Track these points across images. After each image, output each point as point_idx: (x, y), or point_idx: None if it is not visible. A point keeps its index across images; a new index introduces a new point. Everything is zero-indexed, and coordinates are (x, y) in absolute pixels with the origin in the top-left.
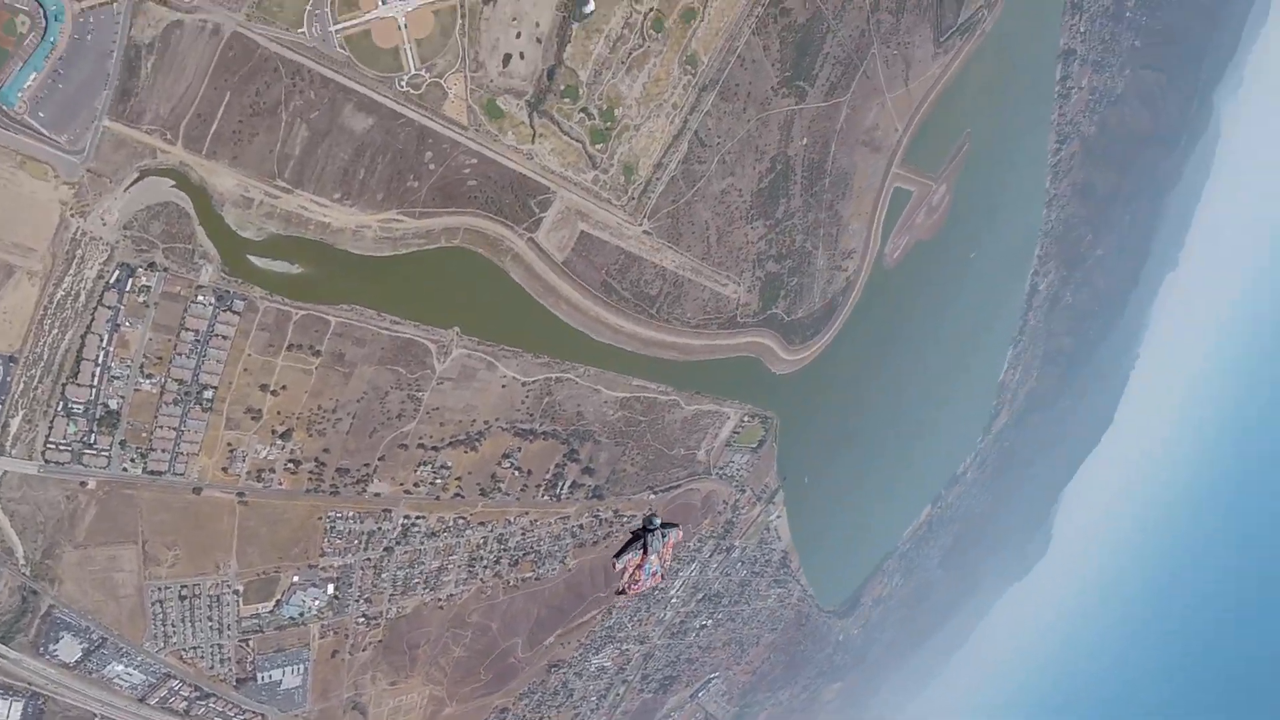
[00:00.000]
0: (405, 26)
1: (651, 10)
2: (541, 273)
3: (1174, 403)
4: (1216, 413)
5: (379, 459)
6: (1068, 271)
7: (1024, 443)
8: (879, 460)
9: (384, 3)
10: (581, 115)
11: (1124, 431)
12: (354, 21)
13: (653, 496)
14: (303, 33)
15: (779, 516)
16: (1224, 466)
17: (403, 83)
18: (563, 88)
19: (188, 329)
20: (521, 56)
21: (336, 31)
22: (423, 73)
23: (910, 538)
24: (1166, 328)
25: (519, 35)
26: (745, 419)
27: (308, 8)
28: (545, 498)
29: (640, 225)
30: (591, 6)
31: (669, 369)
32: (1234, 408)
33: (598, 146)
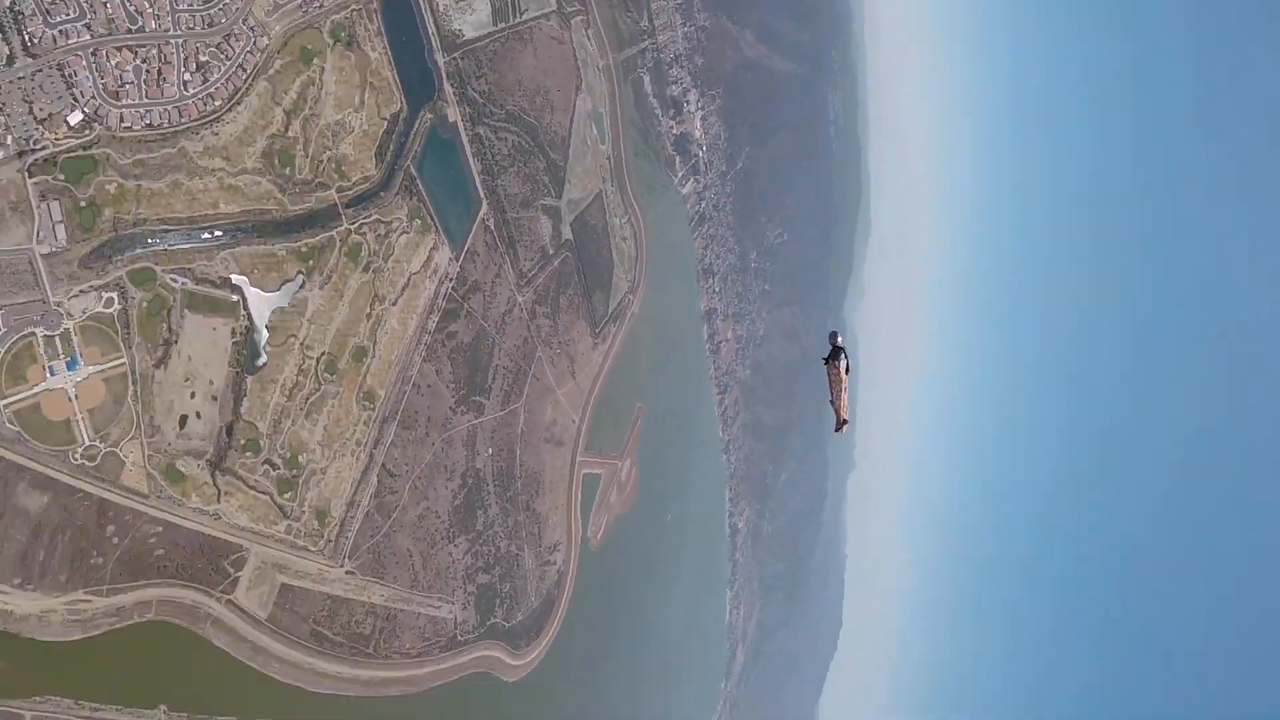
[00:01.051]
0: (76, 397)
1: (324, 354)
2: (246, 634)
3: (886, 586)
4: (923, 585)
5: None
6: (760, 504)
7: (767, 673)
8: None
9: (52, 374)
10: (266, 467)
11: (855, 628)
12: (22, 395)
13: None
14: None
15: None
16: (943, 635)
17: (77, 455)
18: (243, 442)
19: None
20: (198, 416)
21: (4, 406)
22: (97, 443)
23: None
24: (863, 522)
25: (193, 395)
26: None
27: None
28: None
29: (342, 566)
30: (264, 359)
31: (399, 706)
32: (933, 576)
33: (286, 496)
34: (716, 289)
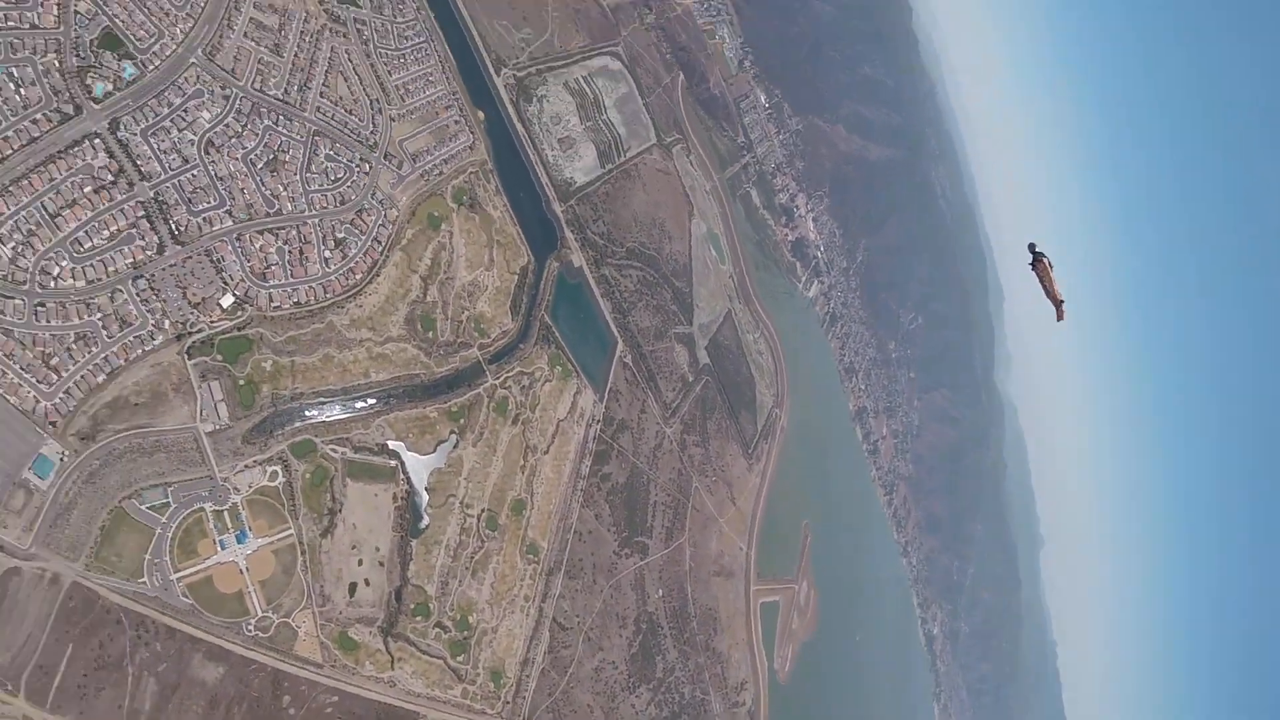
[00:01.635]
0: (247, 570)
1: (484, 511)
2: None
3: (1109, 675)
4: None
5: None
6: (952, 604)
7: None
8: None
9: (223, 548)
10: (437, 630)
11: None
12: (195, 568)
13: None
14: (144, 582)
15: None
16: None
17: (250, 627)
18: (413, 606)
19: None
20: (367, 583)
21: (178, 580)
22: (270, 614)
23: None
24: (1067, 603)
25: (360, 562)
26: None
27: (146, 557)
28: None
29: None
30: (426, 521)
31: None
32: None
33: (459, 659)
34: (862, 386)
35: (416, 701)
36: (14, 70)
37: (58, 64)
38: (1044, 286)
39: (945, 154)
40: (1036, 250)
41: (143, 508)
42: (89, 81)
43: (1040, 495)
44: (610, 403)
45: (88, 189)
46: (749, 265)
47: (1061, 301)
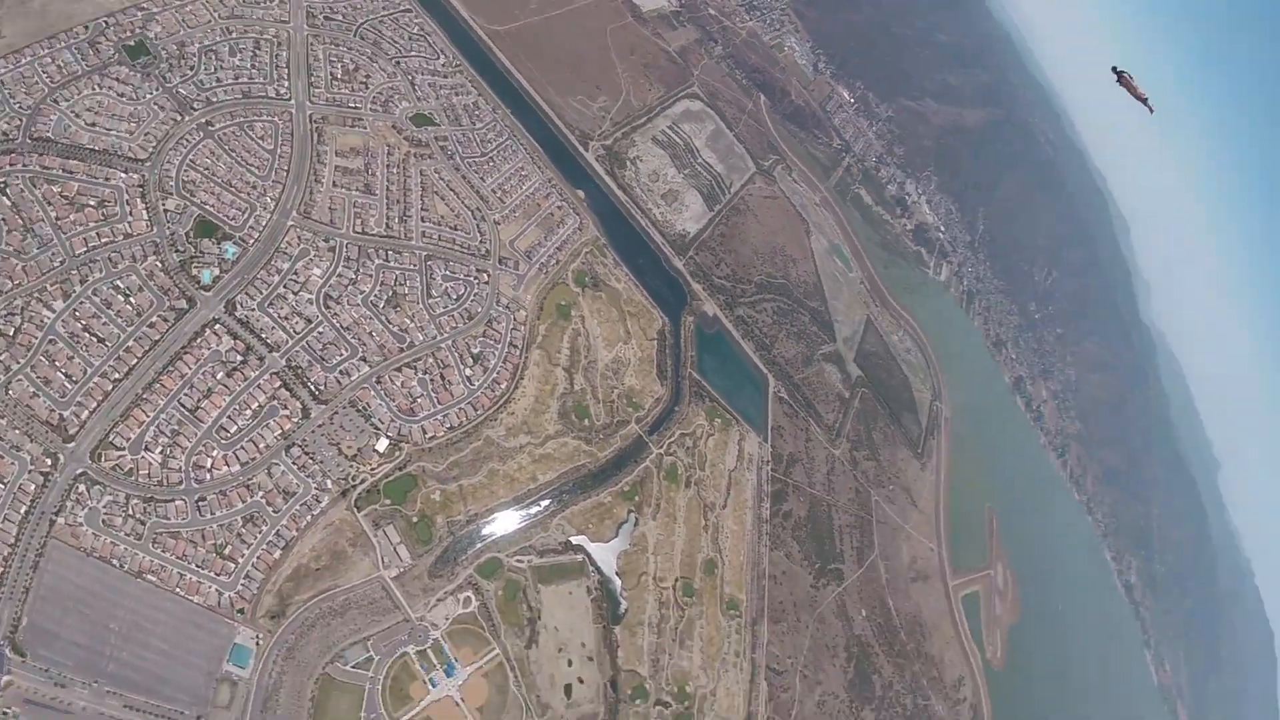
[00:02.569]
0: (462, 700)
1: (677, 579)
2: None
3: None
4: None
5: None
6: (1144, 550)
7: (1218, 709)
8: None
9: (434, 686)
10: (659, 709)
11: None
12: (411, 713)
13: None
14: None
15: None
16: None
17: None
18: (630, 691)
19: None
20: (581, 681)
21: None
22: None
23: None
24: (1254, 529)
25: (570, 663)
26: None
27: (362, 715)
28: None
29: None
30: (624, 605)
31: None
32: None
33: None
34: (1013, 356)
35: None
36: (119, 282)
37: (160, 264)
38: (1132, 93)
39: (1037, 98)
40: (1117, 69)
41: (347, 668)
42: (194, 272)
43: (1206, 417)
44: (775, 440)
45: (220, 375)
46: (876, 266)
47: (1146, 98)
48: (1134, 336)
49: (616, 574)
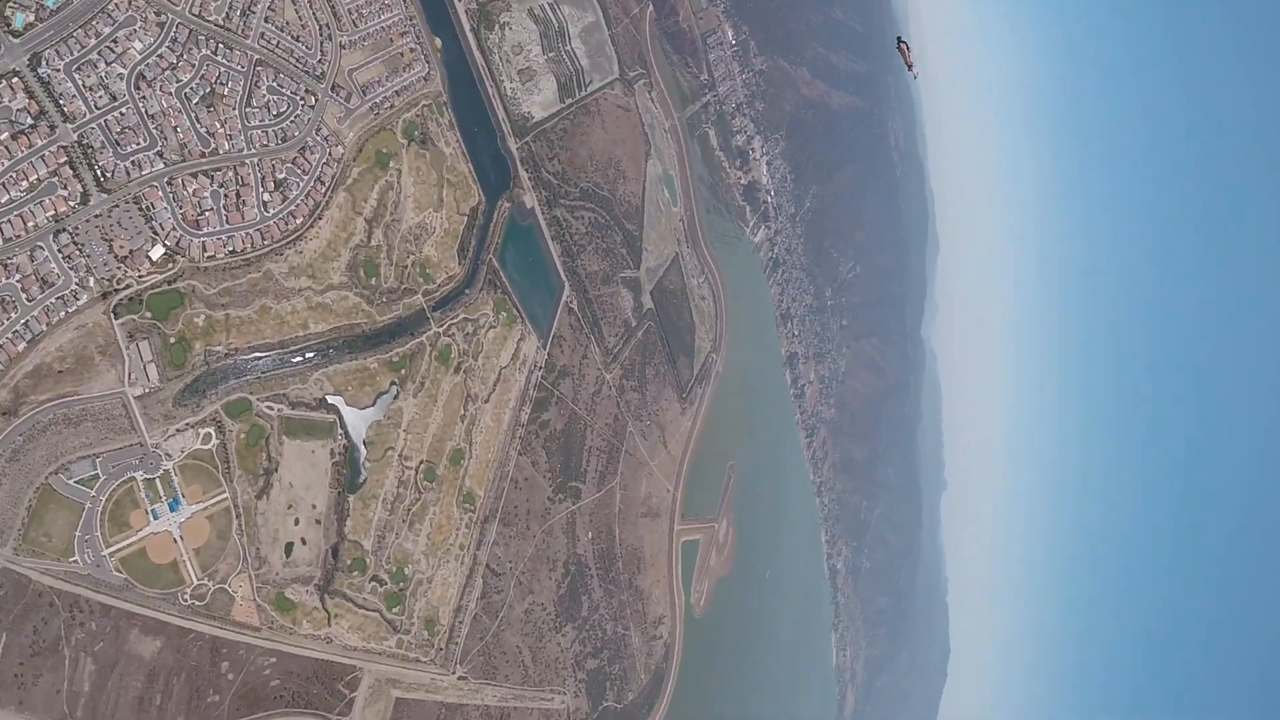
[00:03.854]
0: (181, 538)
1: (422, 463)
2: None
3: (992, 608)
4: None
5: None
6: (857, 541)
7: (879, 710)
8: None
9: (155, 518)
10: (373, 584)
11: (963, 654)
12: (127, 542)
13: None
14: (75, 561)
15: None
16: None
17: (186, 596)
18: (349, 562)
19: None
20: (304, 542)
21: (110, 555)
22: (206, 581)
23: None
24: (960, 543)
25: (297, 521)
26: None
27: (76, 534)
28: None
29: (454, 673)
30: (364, 476)
31: None
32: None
33: (395, 610)
34: (795, 332)
35: (353, 656)
36: None
37: None
38: (905, 60)
39: (902, 104)
40: (900, 39)
41: (70, 482)
42: (7, 12)
43: (948, 441)
44: (554, 349)
45: (4, 135)
46: (700, 209)
47: (914, 67)
48: (909, 349)
49: (364, 443)
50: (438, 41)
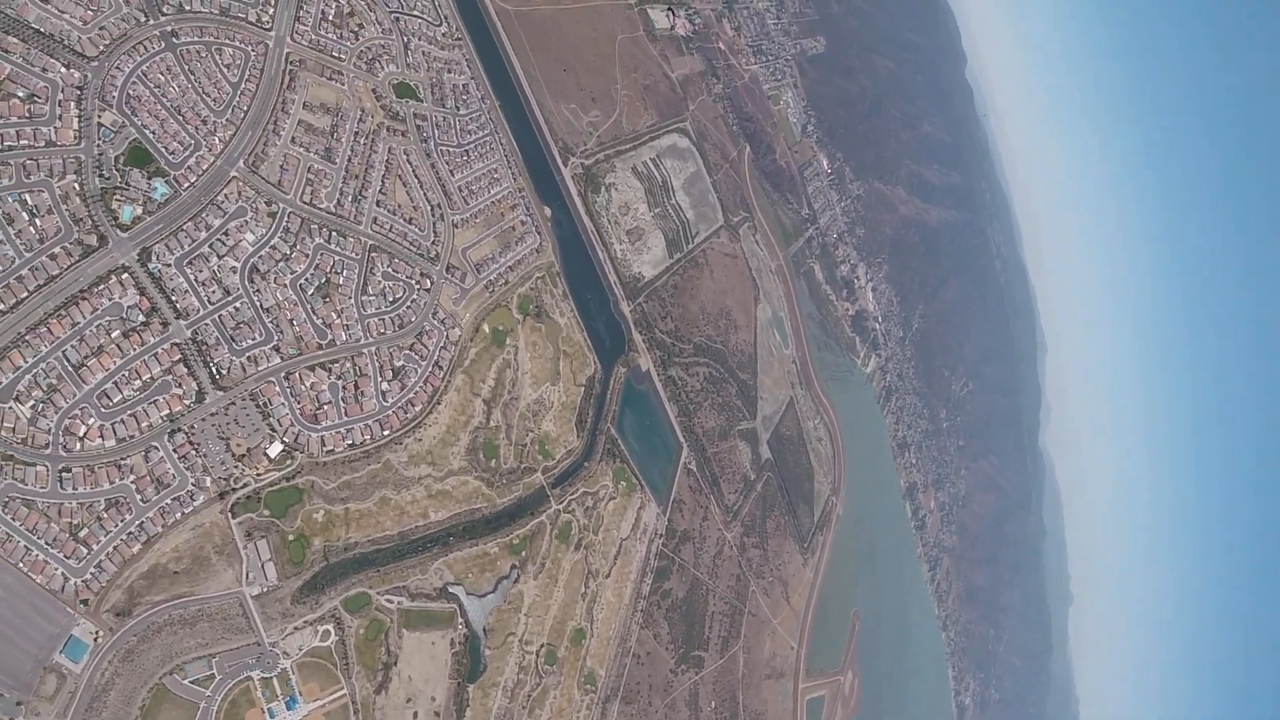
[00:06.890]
0: None
1: (543, 646)
2: None
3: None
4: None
5: None
6: (984, 673)
7: None
8: None
9: (271, 717)
10: None
11: None
12: None
13: None
14: None
15: None
16: None
17: None
18: None
19: None
20: None
21: None
22: None
23: None
24: (1090, 669)
25: (416, 715)
26: None
27: None
28: None
29: None
30: (484, 664)
31: None
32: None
33: None
34: (913, 461)
35: None
36: (27, 197)
37: (78, 187)
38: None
39: (998, 209)
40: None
41: (185, 682)
42: (114, 205)
43: (1073, 553)
44: (673, 514)
45: (115, 333)
46: (810, 347)
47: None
48: (1028, 461)
49: (484, 630)
50: (547, 211)
